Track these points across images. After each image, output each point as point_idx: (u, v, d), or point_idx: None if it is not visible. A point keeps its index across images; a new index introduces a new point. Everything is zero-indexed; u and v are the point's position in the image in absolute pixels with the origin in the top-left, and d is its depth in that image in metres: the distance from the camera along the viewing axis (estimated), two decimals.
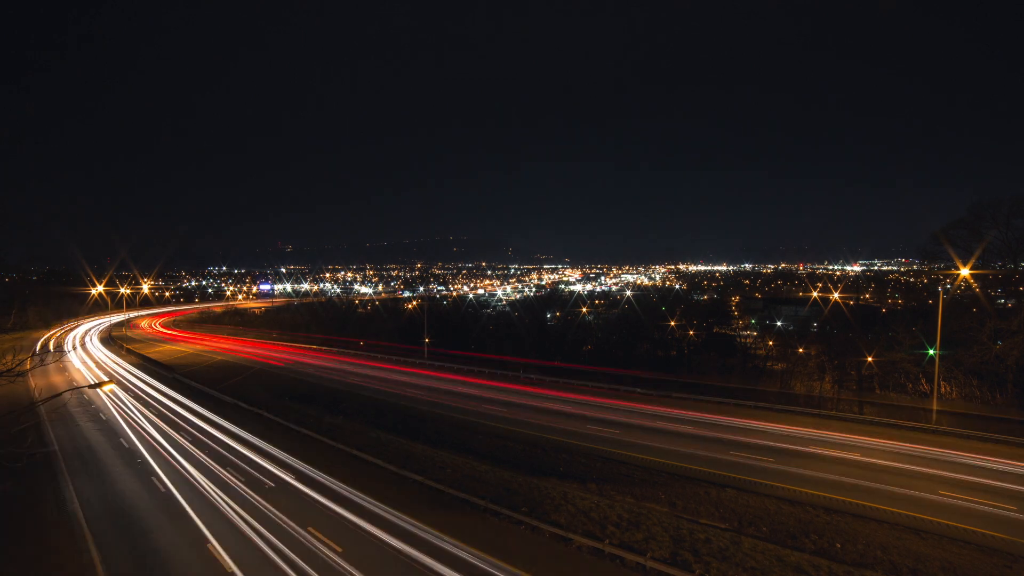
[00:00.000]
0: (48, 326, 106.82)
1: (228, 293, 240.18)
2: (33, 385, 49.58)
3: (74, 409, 40.89)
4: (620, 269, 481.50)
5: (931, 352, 37.88)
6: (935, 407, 34.76)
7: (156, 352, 72.00)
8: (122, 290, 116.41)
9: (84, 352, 73.03)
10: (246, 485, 25.24)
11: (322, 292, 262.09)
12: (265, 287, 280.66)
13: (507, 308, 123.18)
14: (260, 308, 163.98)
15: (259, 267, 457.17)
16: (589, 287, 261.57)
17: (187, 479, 26.30)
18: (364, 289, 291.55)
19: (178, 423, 36.67)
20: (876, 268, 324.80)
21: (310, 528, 20.78)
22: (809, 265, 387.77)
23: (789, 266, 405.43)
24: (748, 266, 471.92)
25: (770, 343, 64.32)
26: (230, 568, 18.21)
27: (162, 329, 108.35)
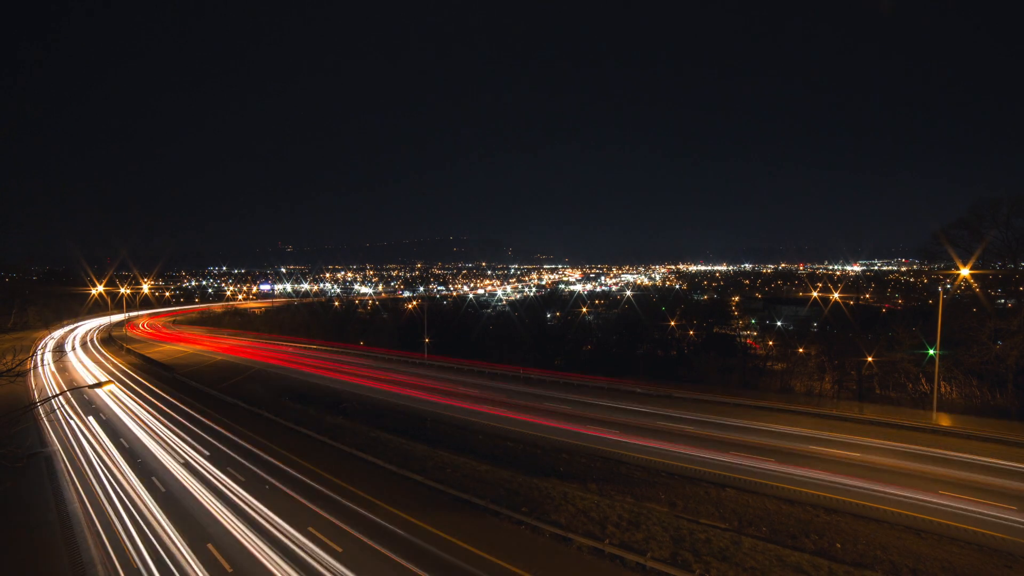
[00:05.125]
0: (48, 326, 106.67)
1: (228, 293, 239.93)
2: (33, 385, 49.58)
3: (74, 409, 40.88)
4: (620, 269, 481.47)
5: (931, 352, 37.88)
6: (935, 407, 34.74)
7: (156, 352, 71.96)
8: (122, 290, 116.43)
9: (84, 352, 72.99)
10: (246, 485, 25.24)
11: (322, 292, 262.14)
12: (265, 287, 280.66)
13: (507, 308, 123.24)
14: (260, 308, 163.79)
15: (259, 267, 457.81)
16: (589, 287, 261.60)
17: (187, 479, 26.30)
18: (364, 289, 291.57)
19: (178, 423, 36.65)
20: (876, 268, 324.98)
21: (310, 528, 20.79)
22: (809, 265, 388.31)
23: (789, 266, 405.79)
24: (748, 266, 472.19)
25: (770, 343, 64.28)
26: (230, 568, 18.22)
27: (162, 329, 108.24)
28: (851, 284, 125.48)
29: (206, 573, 18.02)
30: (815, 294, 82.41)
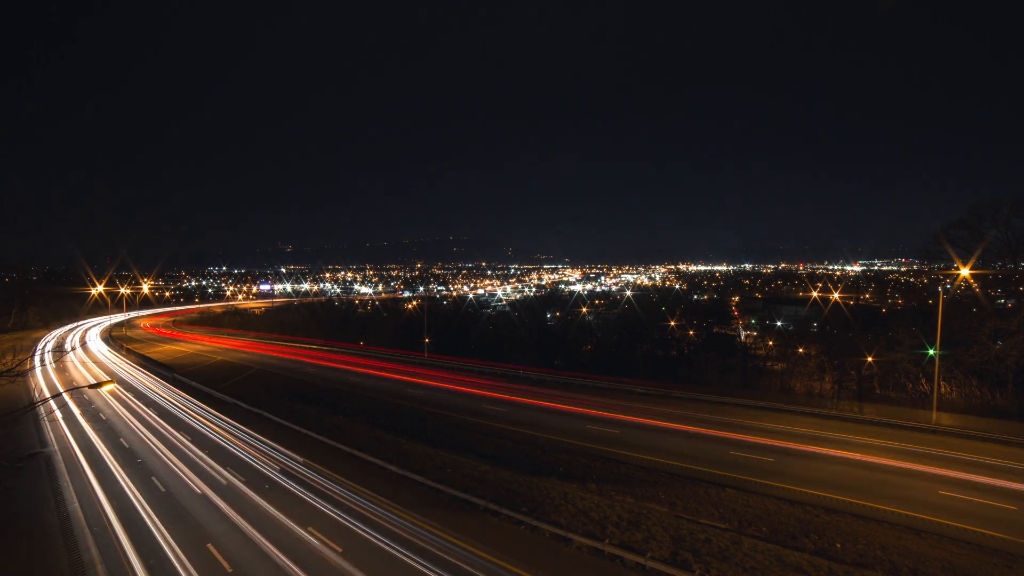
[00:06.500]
0: (48, 326, 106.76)
1: (228, 293, 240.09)
2: (33, 385, 49.57)
3: (74, 409, 40.88)
4: (620, 269, 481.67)
5: (931, 352, 37.89)
6: (935, 407, 34.76)
7: (156, 352, 71.98)
8: (122, 290, 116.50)
9: (84, 352, 73.00)
10: (246, 485, 25.23)
11: (322, 292, 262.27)
12: (265, 287, 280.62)
13: (507, 308, 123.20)
14: (260, 308, 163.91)
15: (259, 267, 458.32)
16: (589, 287, 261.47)
17: (187, 479, 26.30)
18: (364, 289, 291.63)
19: (178, 423, 36.66)
20: (876, 268, 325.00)
21: (310, 528, 20.79)
22: (809, 265, 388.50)
23: (789, 266, 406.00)
24: (748, 266, 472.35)
25: (770, 343, 64.30)
26: (229, 568, 18.22)
27: (162, 329, 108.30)
28: (851, 284, 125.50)
29: (206, 573, 18.03)
30: (815, 294, 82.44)
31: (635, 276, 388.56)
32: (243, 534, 20.53)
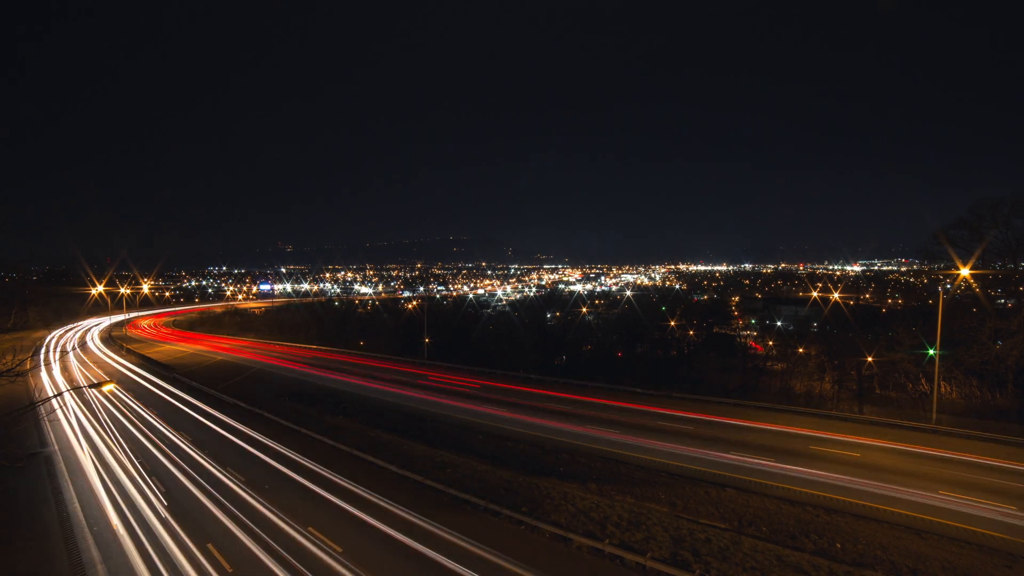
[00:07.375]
0: (48, 326, 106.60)
1: (228, 293, 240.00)
2: (33, 385, 49.56)
3: (74, 409, 40.89)
4: (620, 269, 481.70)
5: (931, 352, 37.88)
6: (935, 407, 34.77)
7: (156, 352, 71.96)
8: (122, 290, 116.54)
9: (84, 352, 72.99)
10: (246, 485, 25.24)
11: (322, 292, 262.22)
12: (265, 287, 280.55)
13: (507, 308, 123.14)
14: (260, 308, 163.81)
15: (259, 267, 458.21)
16: (589, 287, 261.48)
17: (187, 479, 26.29)
18: (364, 289, 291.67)
19: (178, 423, 36.65)
20: (876, 268, 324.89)
21: (310, 528, 20.79)
22: (809, 265, 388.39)
23: (789, 266, 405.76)
24: (748, 266, 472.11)
25: (770, 343, 64.24)
26: (230, 568, 18.23)
27: (162, 329, 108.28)
28: (851, 284, 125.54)
29: (206, 573, 18.03)
30: (815, 294, 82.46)
31: (635, 276, 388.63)
32: (243, 534, 20.52)
